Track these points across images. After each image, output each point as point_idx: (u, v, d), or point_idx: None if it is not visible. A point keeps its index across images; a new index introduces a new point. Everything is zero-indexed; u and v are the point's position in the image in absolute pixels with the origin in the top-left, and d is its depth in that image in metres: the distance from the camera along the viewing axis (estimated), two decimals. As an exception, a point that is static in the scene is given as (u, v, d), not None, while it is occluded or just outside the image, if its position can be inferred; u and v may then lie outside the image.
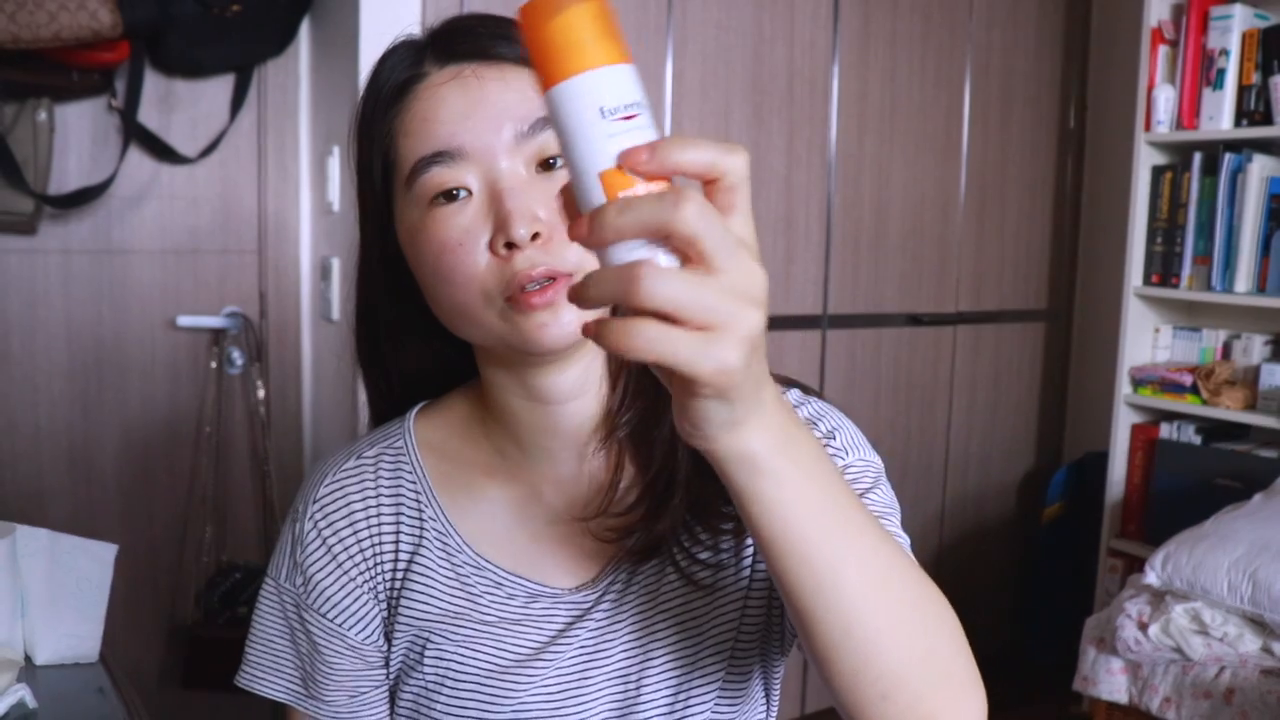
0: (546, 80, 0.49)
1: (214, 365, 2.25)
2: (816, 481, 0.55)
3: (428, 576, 0.81)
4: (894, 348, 2.90)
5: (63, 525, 1.08)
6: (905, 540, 0.74)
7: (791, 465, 0.53)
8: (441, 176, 0.74)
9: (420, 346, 0.86)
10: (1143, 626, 2.18)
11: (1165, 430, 2.94)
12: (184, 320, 2.22)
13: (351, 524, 0.82)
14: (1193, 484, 2.80)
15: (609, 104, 0.48)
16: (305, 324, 2.36)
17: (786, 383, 0.82)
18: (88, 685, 0.98)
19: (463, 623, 0.80)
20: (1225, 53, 2.69)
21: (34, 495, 2.12)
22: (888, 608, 0.58)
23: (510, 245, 0.72)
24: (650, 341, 0.45)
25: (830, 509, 0.56)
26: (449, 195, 0.74)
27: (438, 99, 0.75)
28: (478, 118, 0.74)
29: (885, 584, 0.58)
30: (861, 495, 0.75)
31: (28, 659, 1.00)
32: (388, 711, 0.84)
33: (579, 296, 0.47)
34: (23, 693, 0.90)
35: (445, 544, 0.81)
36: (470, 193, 0.74)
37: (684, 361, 0.46)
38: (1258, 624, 2.09)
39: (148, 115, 2.12)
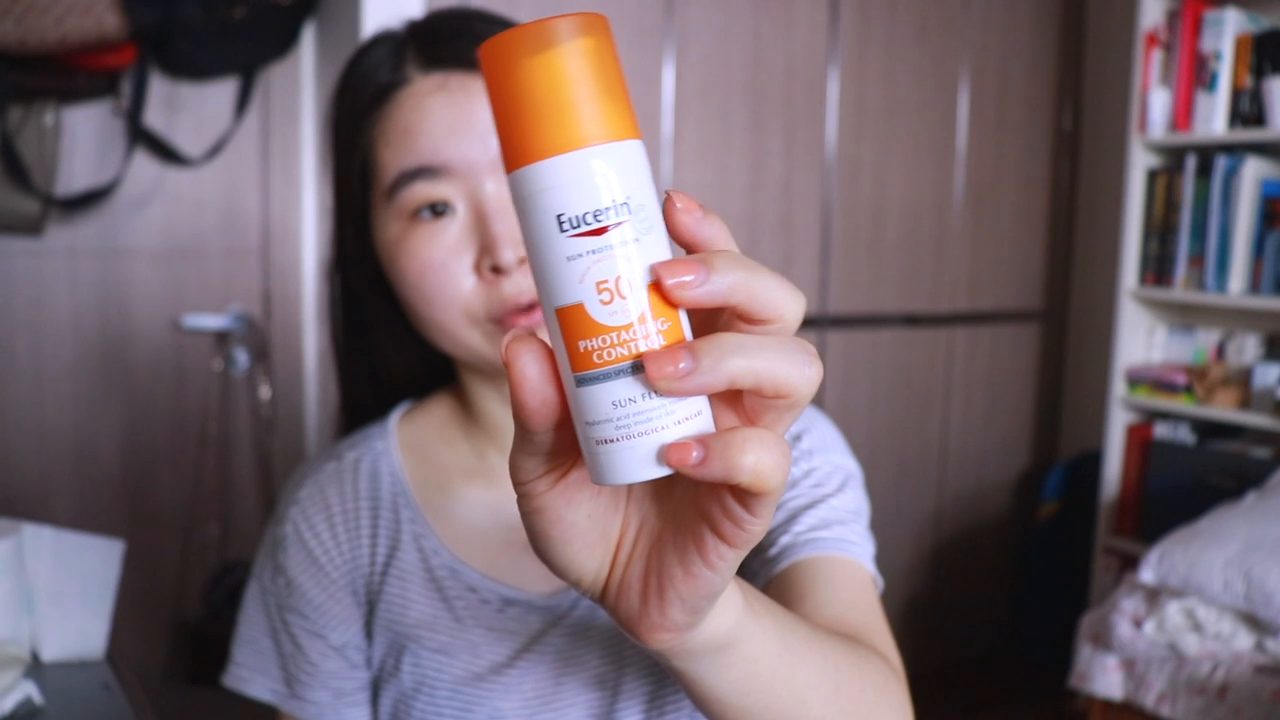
0: (504, 159, 0.37)
1: (219, 365, 2.27)
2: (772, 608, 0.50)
3: (404, 579, 0.80)
4: (891, 348, 2.91)
5: (68, 523, 1.09)
6: (870, 545, 0.74)
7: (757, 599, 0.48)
8: (425, 192, 0.72)
9: (401, 348, 0.84)
10: (1137, 624, 2.19)
11: (1160, 430, 2.95)
12: (189, 320, 2.23)
13: (330, 525, 0.81)
14: (1187, 483, 2.81)
15: (570, 210, 0.36)
16: (309, 324, 2.38)
17: None
18: (94, 682, 0.98)
19: (439, 628, 0.78)
20: (1218, 56, 2.71)
21: (39, 493, 2.14)
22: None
23: (496, 269, 0.71)
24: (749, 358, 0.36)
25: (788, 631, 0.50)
26: (433, 210, 0.72)
27: (422, 111, 0.73)
28: (464, 134, 0.72)
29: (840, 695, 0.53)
30: (827, 498, 0.75)
31: (34, 656, 1.01)
32: (371, 711, 0.83)
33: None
34: (29, 689, 0.89)
35: (422, 545, 0.80)
36: (454, 210, 0.72)
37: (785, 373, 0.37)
38: (1251, 621, 2.10)
39: (153, 118, 2.13)
